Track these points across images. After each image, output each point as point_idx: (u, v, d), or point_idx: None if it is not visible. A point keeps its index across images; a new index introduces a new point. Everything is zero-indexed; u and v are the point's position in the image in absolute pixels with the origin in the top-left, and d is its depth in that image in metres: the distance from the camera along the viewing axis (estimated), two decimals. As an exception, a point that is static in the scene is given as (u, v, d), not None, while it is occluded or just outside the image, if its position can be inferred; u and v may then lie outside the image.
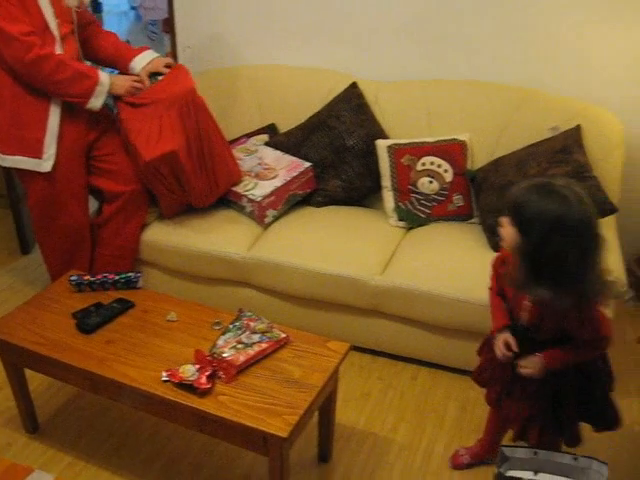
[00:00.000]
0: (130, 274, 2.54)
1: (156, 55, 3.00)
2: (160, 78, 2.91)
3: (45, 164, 2.79)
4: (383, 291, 2.68)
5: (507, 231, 1.77)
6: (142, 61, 2.95)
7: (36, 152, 2.77)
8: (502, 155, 2.95)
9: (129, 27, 6.09)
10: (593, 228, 1.68)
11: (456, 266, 2.68)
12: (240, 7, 3.55)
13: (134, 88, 2.87)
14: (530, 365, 1.91)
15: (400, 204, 3.02)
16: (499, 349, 1.95)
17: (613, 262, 2.42)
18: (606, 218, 2.68)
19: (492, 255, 2.69)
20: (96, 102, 2.77)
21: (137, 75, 2.92)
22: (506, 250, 1.85)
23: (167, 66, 2.96)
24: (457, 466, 2.39)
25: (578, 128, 2.85)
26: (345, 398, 2.68)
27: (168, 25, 3.92)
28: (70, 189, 2.90)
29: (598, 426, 2.08)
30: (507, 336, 1.94)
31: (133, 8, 5.97)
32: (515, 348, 1.92)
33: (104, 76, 2.77)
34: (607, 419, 2.07)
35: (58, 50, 2.71)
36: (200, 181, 2.90)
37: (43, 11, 2.64)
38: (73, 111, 2.81)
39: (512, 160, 2.88)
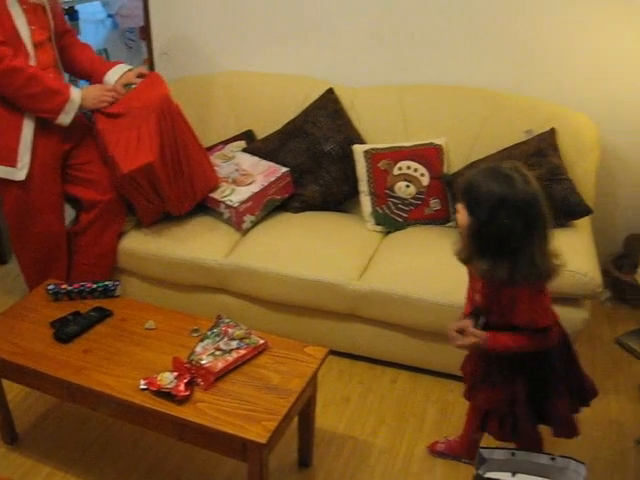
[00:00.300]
0: (108, 283, 2.54)
1: (128, 68, 3.01)
2: (134, 86, 2.91)
3: (19, 173, 2.78)
4: (361, 295, 2.69)
5: (460, 215, 1.85)
6: (114, 75, 2.95)
7: (10, 161, 2.75)
8: (478, 159, 2.97)
9: (106, 35, 6.08)
10: (538, 207, 1.76)
11: (434, 269, 2.69)
12: (216, 14, 3.55)
13: (106, 101, 2.86)
14: (475, 335, 1.94)
15: (377, 208, 3.03)
16: (449, 334, 2.01)
17: (587, 263, 2.45)
18: (581, 220, 2.72)
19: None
20: (65, 118, 2.77)
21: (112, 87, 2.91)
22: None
23: (140, 76, 2.96)
24: (432, 452, 2.45)
25: (553, 131, 2.89)
26: (325, 403, 2.68)
27: (145, 32, 3.92)
28: (45, 198, 2.88)
29: (558, 432, 2.12)
30: (464, 322, 2.00)
31: (110, 16, 5.96)
32: (469, 331, 1.96)
33: (75, 93, 2.76)
34: (566, 426, 2.10)
35: (32, 60, 2.70)
36: (176, 189, 2.90)
37: (14, 19, 2.63)
38: (47, 122, 2.80)
39: (487, 163, 2.91)
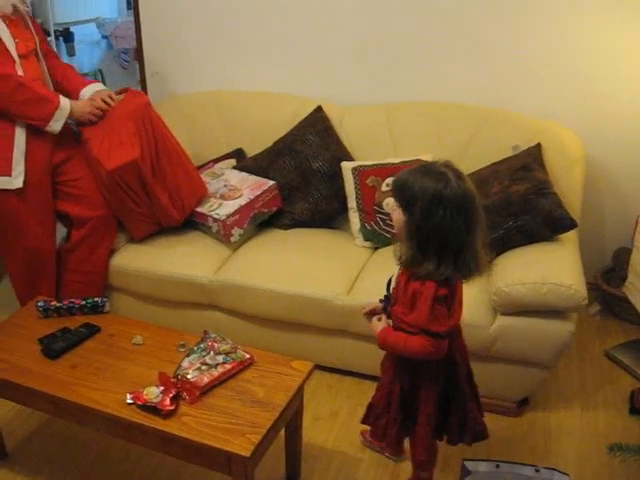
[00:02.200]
0: (97, 299, 2.56)
1: (102, 87, 3.08)
2: (118, 99, 2.98)
3: (15, 181, 2.81)
4: (349, 311, 2.70)
5: (395, 215, 1.84)
6: (87, 93, 3.01)
7: (5, 170, 2.79)
8: (466, 174, 2.99)
9: (101, 56, 6.14)
10: (473, 202, 1.76)
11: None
12: (206, 35, 3.61)
13: (95, 114, 2.91)
14: (373, 325, 2.01)
15: (366, 225, 3.05)
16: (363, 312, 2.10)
17: (573, 276, 2.46)
18: (568, 233, 2.73)
19: (456, 272, 2.77)
20: (55, 125, 2.81)
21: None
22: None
23: (121, 92, 3.03)
24: (364, 438, 2.55)
25: (539, 146, 2.92)
26: (314, 418, 2.69)
27: (138, 53, 3.97)
28: (37, 209, 2.91)
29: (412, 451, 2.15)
30: (375, 304, 2.06)
31: (105, 37, 6.02)
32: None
33: (64, 101, 2.82)
34: (419, 447, 2.08)
35: (19, 71, 2.75)
36: (163, 193, 2.94)
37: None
38: (39, 130, 2.83)
39: (474, 179, 2.89)
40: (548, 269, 2.48)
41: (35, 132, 2.83)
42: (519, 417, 2.71)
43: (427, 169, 1.78)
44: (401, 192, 1.80)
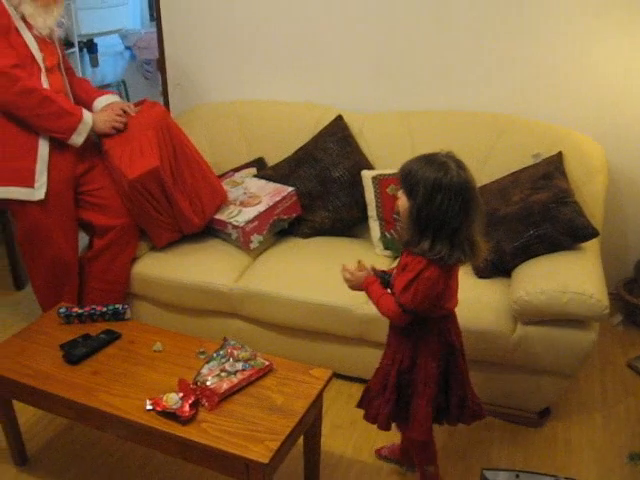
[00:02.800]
0: (118, 306, 2.58)
1: (116, 99, 3.13)
2: (136, 110, 3.03)
3: (37, 192, 2.83)
4: (369, 319, 2.70)
5: (401, 201, 1.96)
6: (100, 104, 3.06)
7: (28, 181, 2.82)
8: (485, 183, 2.99)
9: (125, 67, 6.22)
10: (471, 190, 1.89)
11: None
12: (228, 46, 3.65)
13: (116, 127, 2.94)
14: (358, 275, 2.14)
15: (386, 233, 3.05)
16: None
17: (594, 285, 2.44)
18: (590, 242, 2.71)
19: (476, 280, 2.76)
20: (78, 139, 2.85)
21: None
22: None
23: (135, 106, 3.08)
24: (378, 455, 2.54)
25: (560, 154, 2.91)
26: (333, 426, 2.69)
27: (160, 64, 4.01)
28: (60, 220, 2.94)
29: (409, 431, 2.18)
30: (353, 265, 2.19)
31: (128, 48, 6.09)
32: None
33: (87, 115, 2.86)
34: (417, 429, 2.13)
35: (44, 81, 2.79)
36: (184, 199, 2.96)
37: (28, 44, 2.74)
38: (62, 142, 2.87)
39: (495, 188, 2.93)
40: (569, 278, 2.46)
41: (58, 143, 2.87)
42: (540, 427, 2.69)
43: (430, 159, 1.91)
44: (405, 179, 1.93)
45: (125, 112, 2.99)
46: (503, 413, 2.72)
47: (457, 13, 3.16)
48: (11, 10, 2.71)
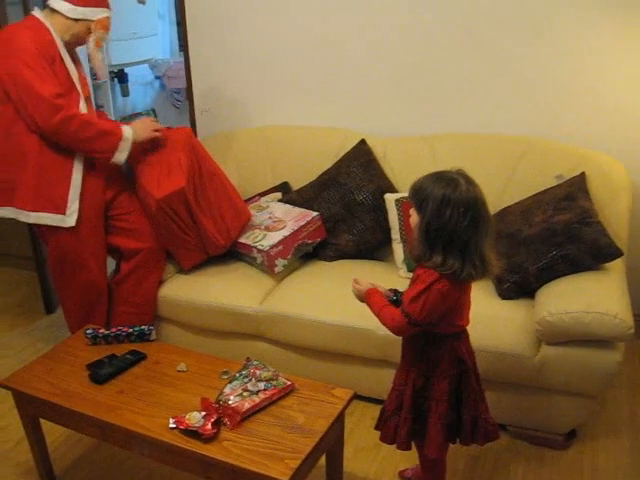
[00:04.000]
0: (143, 327, 2.62)
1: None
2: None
3: (68, 219, 2.90)
4: (392, 341, 2.68)
5: (412, 218, 2.00)
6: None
7: (60, 208, 2.88)
8: (508, 205, 2.99)
9: (154, 96, 6.34)
10: (481, 206, 1.92)
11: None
12: (252, 73, 3.74)
13: (154, 135, 3.00)
14: (361, 284, 2.18)
15: (408, 252, 3.06)
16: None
17: (618, 305, 2.42)
18: (614, 262, 2.69)
19: (500, 303, 2.75)
20: (120, 156, 2.90)
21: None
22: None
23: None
24: (402, 477, 2.53)
25: (582, 175, 2.90)
26: (356, 449, 2.69)
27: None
28: (90, 245, 3.00)
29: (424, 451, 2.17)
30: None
31: (157, 77, 6.21)
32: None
33: (127, 131, 2.92)
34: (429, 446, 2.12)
35: (82, 107, 2.88)
36: (208, 219, 3.01)
37: (70, 73, 2.85)
38: (94, 168, 2.95)
39: (518, 209, 2.93)
40: (593, 298, 2.45)
41: (91, 170, 2.94)
42: (566, 450, 2.66)
43: (440, 175, 1.95)
44: (415, 195, 1.97)
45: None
46: (528, 435, 2.69)
47: (480, 37, 3.19)
48: (58, 40, 2.82)
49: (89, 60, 3.03)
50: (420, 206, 1.94)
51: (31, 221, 2.91)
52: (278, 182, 3.55)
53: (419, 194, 1.95)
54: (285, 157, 3.56)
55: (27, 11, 3.99)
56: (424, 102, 3.40)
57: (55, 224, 2.90)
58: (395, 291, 2.22)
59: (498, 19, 3.14)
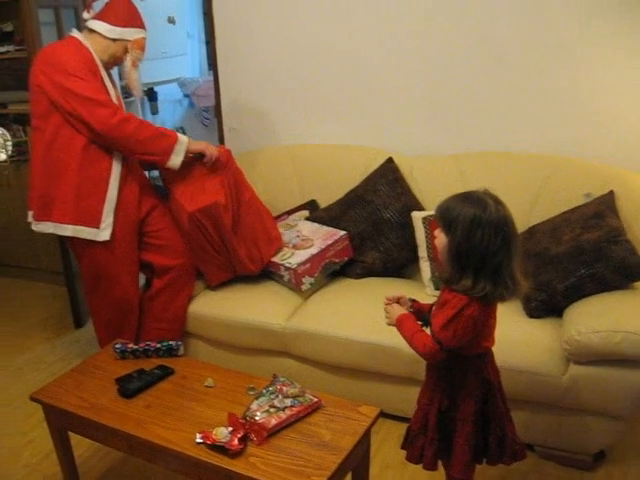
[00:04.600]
0: (172, 342, 2.64)
1: None
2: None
3: (103, 233, 2.93)
4: (419, 359, 2.66)
5: (438, 239, 1.97)
6: None
7: (94, 222, 2.91)
8: (537, 223, 2.98)
9: (183, 114, 6.42)
10: (510, 226, 1.88)
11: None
12: (280, 91, 3.78)
13: (208, 148, 3.03)
14: (392, 311, 2.16)
15: (436, 273, 3.06)
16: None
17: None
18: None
19: (528, 320, 2.74)
20: (176, 160, 2.93)
21: None
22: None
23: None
24: None
25: (611, 193, 2.89)
26: (383, 466, 2.68)
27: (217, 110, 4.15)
28: (124, 260, 3.03)
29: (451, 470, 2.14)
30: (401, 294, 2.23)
31: (186, 96, 6.29)
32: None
33: (181, 135, 2.96)
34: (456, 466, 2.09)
35: None
36: (241, 246, 3.04)
37: (109, 90, 2.92)
38: (129, 183, 2.99)
39: (546, 227, 2.92)
40: (622, 317, 2.43)
41: (126, 185, 2.98)
42: (594, 471, 2.62)
43: (467, 196, 1.92)
44: (443, 216, 1.93)
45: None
46: (555, 455, 2.66)
47: (508, 57, 3.19)
48: (97, 59, 2.89)
49: (120, 79, 3.10)
50: (449, 227, 1.90)
51: (67, 234, 2.93)
52: (305, 200, 3.57)
53: (447, 215, 1.91)
54: (312, 175, 3.58)
55: (60, 31, 4.10)
56: (451, 121, 3.41)
57: (90, 237, 2.93)
58: (413, 301, 2.22)
59: (525, 39, 3.14)
